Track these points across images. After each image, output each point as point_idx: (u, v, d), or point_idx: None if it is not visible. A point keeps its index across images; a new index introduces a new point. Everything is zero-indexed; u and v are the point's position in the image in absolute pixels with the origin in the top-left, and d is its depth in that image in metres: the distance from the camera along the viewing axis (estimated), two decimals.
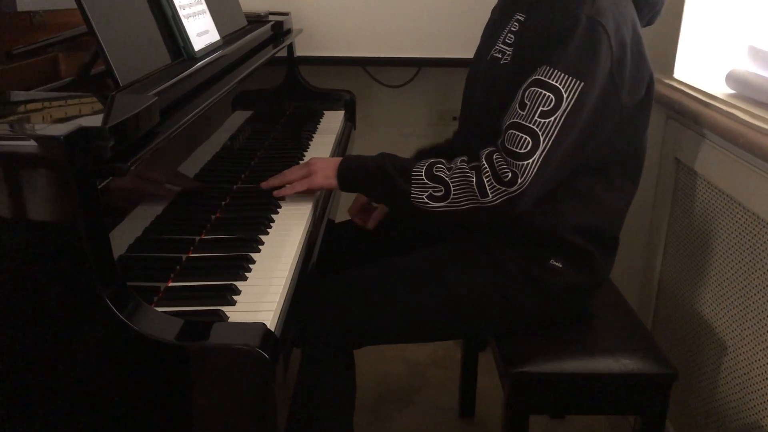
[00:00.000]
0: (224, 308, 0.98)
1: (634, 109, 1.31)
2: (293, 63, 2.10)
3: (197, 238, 1.21)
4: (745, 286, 1.41)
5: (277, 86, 2.06)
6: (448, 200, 1.28)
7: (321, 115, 2.04)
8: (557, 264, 1.36)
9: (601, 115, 1.26)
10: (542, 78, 1.22)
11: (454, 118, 2.62)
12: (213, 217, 1.30)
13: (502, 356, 1.38)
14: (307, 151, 1.73)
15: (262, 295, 1.04)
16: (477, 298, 1.38)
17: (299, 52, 2.13)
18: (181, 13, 1.32)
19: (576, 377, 1.33)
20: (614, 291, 1.58)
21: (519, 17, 1.33)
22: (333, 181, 1.37)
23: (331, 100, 2.12)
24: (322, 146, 1.79)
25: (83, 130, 0.77)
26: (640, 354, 1.35)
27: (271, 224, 1.29)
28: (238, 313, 0.98)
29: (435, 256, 1.43)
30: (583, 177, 1.33)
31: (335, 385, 1.40)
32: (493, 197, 1.24)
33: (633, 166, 1.39)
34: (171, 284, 1.05)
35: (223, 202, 1.37)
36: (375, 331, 1.40)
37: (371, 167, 1.33)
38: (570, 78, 1.20)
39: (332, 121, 2.01)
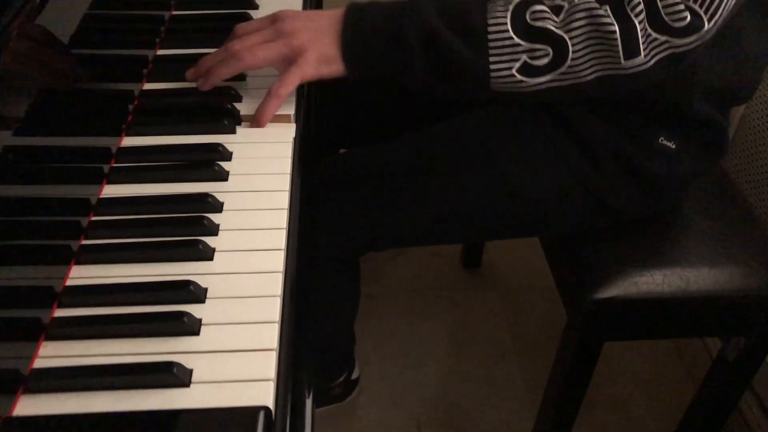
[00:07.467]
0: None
1: None
2: None
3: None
4: None
5: None
6: (561, 69, 0.74)
7: None
8: (669, 144, 0.90)
9: None
10: None
11: None
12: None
13: (571, 274, 1.03)
14: None
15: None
16: (544, 192, 0.93)
17: None
18: None
19: (667, 301, 0.98)
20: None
21: None
22: (338, 66, 0.76)
23: None
24: None
25: None
26: (749, 263, 1.00)
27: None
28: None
29: (482, 128, 0.95)
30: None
31: (336, 297, 1.05)
32: (647, 56, 0.72)
33: None
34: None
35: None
36: (393, 236, 0.97)
37: (410, 35, 0.73)
38: None
39: None
